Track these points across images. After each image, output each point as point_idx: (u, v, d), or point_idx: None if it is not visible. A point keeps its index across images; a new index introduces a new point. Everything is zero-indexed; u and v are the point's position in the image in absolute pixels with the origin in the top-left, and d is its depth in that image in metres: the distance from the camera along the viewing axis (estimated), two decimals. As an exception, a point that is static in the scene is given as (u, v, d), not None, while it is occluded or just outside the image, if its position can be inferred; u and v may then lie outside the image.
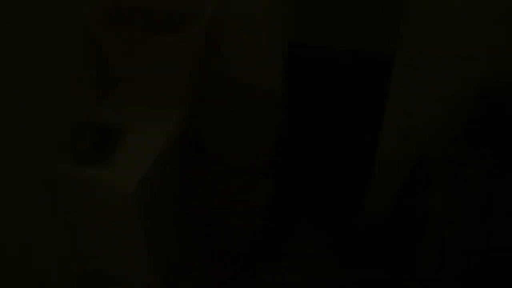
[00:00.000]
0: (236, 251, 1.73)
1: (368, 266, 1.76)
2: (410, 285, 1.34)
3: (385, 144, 1.71)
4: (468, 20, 1.32)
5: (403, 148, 1.70)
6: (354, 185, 1.80)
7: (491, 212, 1.29)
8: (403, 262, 1.50)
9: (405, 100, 1.57)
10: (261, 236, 1.76)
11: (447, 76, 1.46)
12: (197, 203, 1.72)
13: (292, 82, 1.63)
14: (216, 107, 1.57)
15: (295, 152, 1.81)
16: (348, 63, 1.50)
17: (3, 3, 1.15)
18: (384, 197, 1.90)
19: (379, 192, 1.88)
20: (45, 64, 1.34)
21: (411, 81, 1.51)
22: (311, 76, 1.59)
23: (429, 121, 1.59)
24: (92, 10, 1.42)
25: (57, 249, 1.57)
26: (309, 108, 1.67)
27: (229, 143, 1.50)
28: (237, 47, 1.65)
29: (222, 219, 1.75)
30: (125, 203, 1.34)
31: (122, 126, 1.49)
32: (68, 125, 1.47)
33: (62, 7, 1.35)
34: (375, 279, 1.72)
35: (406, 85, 1.52)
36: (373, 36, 1.43)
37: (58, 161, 1.40)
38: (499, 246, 1.24)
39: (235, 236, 1.72)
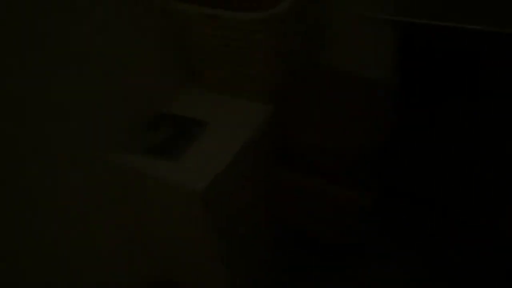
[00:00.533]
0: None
1: None
2: None
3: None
4: None
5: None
6: (487, 206, 1.45)
7: None
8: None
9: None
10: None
11: None
12: (283, 212, 1.54)
13: (406, 71, 1.41)
14: (313, 102, 1.39)
15: (404, 157, 1.56)
16: (482, 49, 1.25)
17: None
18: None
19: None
20: (122, 52, 1.28)
21: None
22: (430, 65, 1.36)
23: None
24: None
25: (123, 248, 1.49)
26: (426, 103, 1.43)
27: (327, 142, 1.30)
28: (338, 31, 1.47)
29: (310, 232, 1.53)
30: (192, 203, 1.23)
31: (201, 119, 1.42)
32: (145, 116, 1.42)
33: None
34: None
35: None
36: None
37: (128, 152, 1.33)
38: None
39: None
